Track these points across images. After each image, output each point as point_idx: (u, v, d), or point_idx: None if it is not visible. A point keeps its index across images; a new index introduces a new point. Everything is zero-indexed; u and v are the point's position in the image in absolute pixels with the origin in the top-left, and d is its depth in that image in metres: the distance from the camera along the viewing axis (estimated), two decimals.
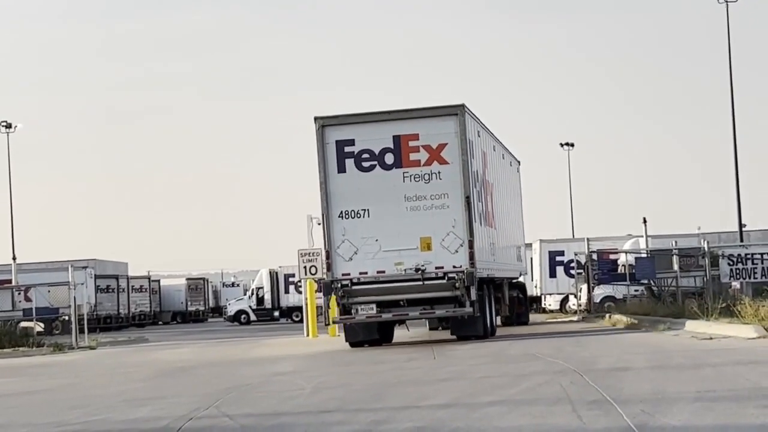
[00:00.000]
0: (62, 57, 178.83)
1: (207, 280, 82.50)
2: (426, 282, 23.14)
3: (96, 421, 12.23)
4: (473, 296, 23.18)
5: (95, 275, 61.28)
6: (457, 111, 23.62)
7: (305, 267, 32.82)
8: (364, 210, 23.38)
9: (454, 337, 25.03)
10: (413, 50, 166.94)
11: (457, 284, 23.02)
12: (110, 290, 65.38)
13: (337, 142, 23.49)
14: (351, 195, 23.40)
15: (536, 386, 13.00)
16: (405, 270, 23.19)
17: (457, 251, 23.20)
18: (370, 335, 24.42)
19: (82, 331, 34.41)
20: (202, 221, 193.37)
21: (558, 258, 51.47)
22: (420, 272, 23.11)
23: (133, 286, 68.59)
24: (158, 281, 76.77)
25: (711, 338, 20.54)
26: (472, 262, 23.20)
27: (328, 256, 23.34)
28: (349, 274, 23.25)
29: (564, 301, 50.41)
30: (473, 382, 14.11)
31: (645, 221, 42.36)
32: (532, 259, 53.87)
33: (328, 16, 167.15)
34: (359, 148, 23.48)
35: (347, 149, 23.50)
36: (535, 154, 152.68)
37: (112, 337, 43.34)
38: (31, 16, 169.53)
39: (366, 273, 23.28)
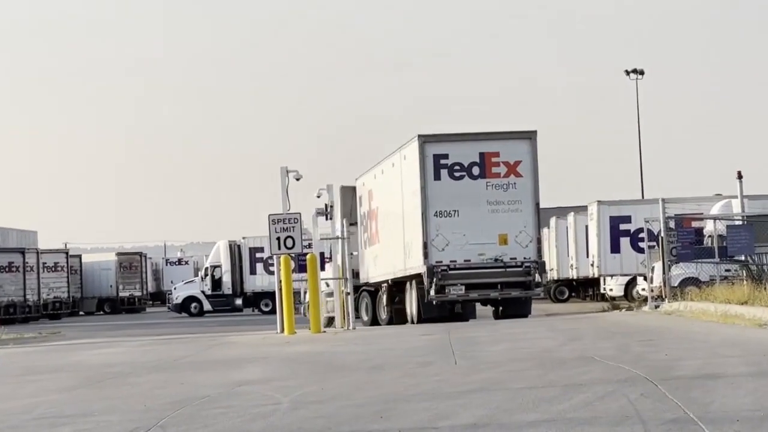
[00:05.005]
0: None
1: (145, 256, 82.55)
2: (507, 269, 36.04)
3: None
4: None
5: None
6: (531, 135, 36.77)
7: (278, 238, 32.50)
8: (455, 211, 36.07)
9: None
10: None
11: (530, 272, 36.16)
12: (14, 269, 65.55)
13: (434, 155, 36.33)
14: (444, 198, 36.15)
15: (595, 400, 13.09)
16: (486, 259, 36.04)
17: (527, 246, 36.08)
18: (442, 313, 36.47)
19: None
20: (139, 183, 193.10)
21: (622, 226, 51.46)
22: (499, 261, 36.00)
23: (45, 264, 68.67)
24: (79, 257, 77.04)
25: None
26: (540, 255, 36.77)
27: (425, 246, 35.94)
28: (441, 262, 35.82)
29: (630, 284, 50.59)
30: (509, 395, 14.17)
31: (740, 177, 42.44)
32: (587, 227, 54.02)
33: None
34: (452, 161, 36.39)
35: (442, 161, 36.32)
36: (598, 87, 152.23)
37: (17, 332, 43.46)
38: None
39: (455, 261, 35.97)
